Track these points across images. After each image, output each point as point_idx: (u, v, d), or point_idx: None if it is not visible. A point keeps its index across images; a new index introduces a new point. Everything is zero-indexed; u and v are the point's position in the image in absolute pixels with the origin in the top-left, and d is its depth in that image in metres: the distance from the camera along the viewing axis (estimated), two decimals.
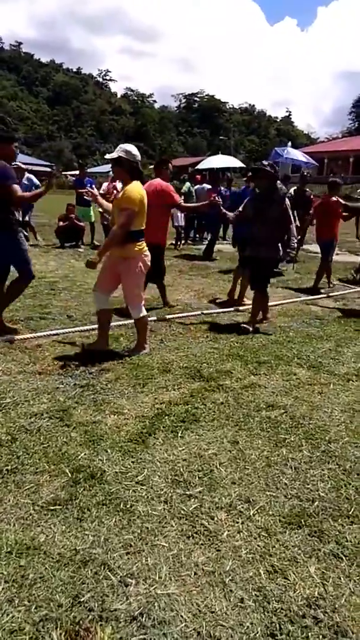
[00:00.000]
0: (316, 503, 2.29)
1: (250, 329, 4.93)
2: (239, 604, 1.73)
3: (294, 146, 17.50)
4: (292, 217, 4.98)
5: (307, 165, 11.76)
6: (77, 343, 4.35)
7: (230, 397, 3.40)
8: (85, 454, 2.60)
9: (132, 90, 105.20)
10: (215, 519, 2.16)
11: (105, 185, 11.20)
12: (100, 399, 3.28)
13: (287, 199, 4.93)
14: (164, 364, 3.94)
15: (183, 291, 6.94)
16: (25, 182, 10.38)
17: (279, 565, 1.91)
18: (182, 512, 2.19)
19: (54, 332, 4.62)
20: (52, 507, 2.17)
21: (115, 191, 10.96)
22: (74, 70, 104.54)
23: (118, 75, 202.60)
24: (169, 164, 5.81)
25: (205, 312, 5.68)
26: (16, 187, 4.21)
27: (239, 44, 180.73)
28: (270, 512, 2.22)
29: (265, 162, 5.01)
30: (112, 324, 4.42)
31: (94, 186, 11.38)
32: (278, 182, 4.90)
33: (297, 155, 11.91)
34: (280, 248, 4.97)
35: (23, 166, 10.57)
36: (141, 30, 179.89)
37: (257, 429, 2.97)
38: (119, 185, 11.30)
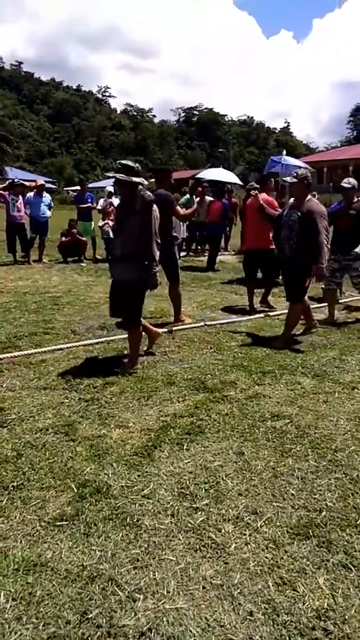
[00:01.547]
0: (324, 513, 2.28)
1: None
2: (248, 617, 1.71)
3: (294, 156, 17.61)
4: (154, 231, 4.00)
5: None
6: (81, 357, 4.36)
7: (235, 408, 3.39)
8: (90, 469, 2.60)
9: (131, 106, 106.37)
10: (223, 531, 2.15)
11: (102, 201, 11.32)
12: (105, 412, 3.28)
13: (154, 211, 4.01)
14: (168, 376, 3.95)
15: (186, 303, 6.94)
16: (48, 202, 10.66)
17: (288, 577, 1.89)
18: (189, 525, 2.18)
19: (58, 347, 4.64)
20: (58, 523, 2.17)
21: (111, 207, 11.10)
22: (74, 87, 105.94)
23: (117, 91, 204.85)
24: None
25: (208, 323, 5.69)
26: None
27: (236, 58, 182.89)
28: (278, 523, 2.20)
29: (125, 162, 4.07)
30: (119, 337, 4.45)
31: (94, 201, 11.54)
32: (140, 188, 3.98)
33: (293, 161, 11.99)
34: (150, 267, 3.98)
35: (27, 183, 10.76)
36: (139, 46, 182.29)
37: (262, 440, 2.97)
38: (115, 201, 11.44)
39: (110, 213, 11.08)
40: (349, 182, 5.86)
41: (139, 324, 4.20)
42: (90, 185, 22.63)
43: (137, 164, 4.04)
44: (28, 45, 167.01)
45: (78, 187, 12.41)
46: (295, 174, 4.87)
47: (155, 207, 4.05)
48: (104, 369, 4.04)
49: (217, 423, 3.17)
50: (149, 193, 4.02)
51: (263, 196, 6.27)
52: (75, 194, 11.53)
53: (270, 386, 3.82)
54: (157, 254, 4.05)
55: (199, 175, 14.08)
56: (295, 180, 4.78)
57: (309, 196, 4.84)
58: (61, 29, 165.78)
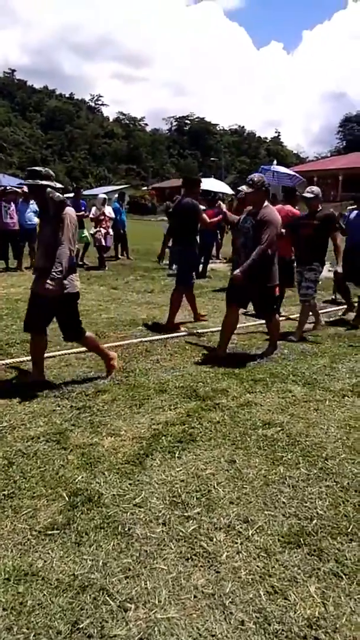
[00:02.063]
0: (315, 521, 2.29)
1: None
2: (239, 626, 1.71)
3: (284, 166, 17.76)
4: (68, 238, 3.58)
5: (292, 181, 11.85)
6: (73, 365, 4.35)
7: (227, 416, 3.40)
8: (82, 477, 2.59)
9: (124, 114, 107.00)
10: (214, 540, 2.15)
11: (94, 209, 11.35)
12: (97, 420, 3.28)
13: (67, 214, 3.60)
14: (160, 384, 3.95)
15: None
16: (35, 209, 10.69)
17: (279, 586, 1.90)
18: (181, 534, 2.18)
19: (50, 354, 4.62)
20: (49, 532, 2.16)
21: (103, 216, 11.14)
22: (67, 95, 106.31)
23: (110, 100, 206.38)
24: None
25: (199, 331, 5.71)
26: None
27: (227, 68, 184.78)
28: (269, 532, 2.21)
29: (32, 168, 3.76)
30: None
31: (86, 209, 11.59)
32: (49, 190, 3.55)
33: (284, 170, 12.11)
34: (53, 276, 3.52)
35: (19, 190, 10.77)
36: (132, 55, 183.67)
37: (254, 448, 2.97)
38: (108, 209, 11.48)
39: (103, 221, 11.12)
40: (311, 191, 5.64)
41: (35, 333, 3.88)
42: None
43: (45, 169, 3.75)
44: (21, 53, 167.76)
45: (70, 195, 12.45)
46: (250, 182, 4.52)
47: (69, 209, 3.62)
48: (95, 377, 4.03)
49: (208, 431, 3.18)
50: (57, 194, 3.58)
51: (288, 208, 6.36)
52: (70, 200, 11.61)
53: (262, 394, 3.83)
54: (65, 263, 3.56)
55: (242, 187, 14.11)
56: (251, 190, 4.51)
57: (266, 202, 4.57)
58: (55, 37, 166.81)
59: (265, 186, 4.54)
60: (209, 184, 14.32)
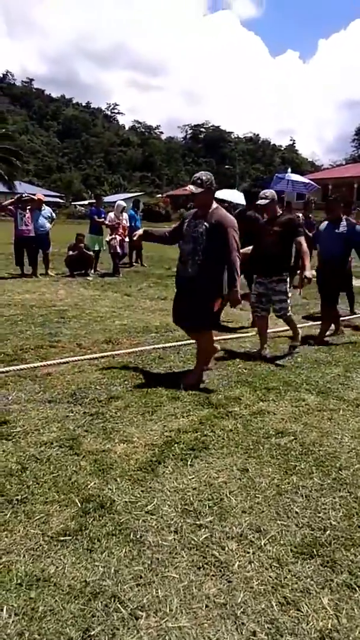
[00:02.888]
0: (328, 532, 2.26)
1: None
2: (251, 637, 1.70)
3: (299, 173, 17.75)
4: None
5: (307, 188, 11.81)
6: (86, 371, 4.38)
7: (240, 424, 3.39)
8: (94, 483, 2.60)
9: (139, 123, 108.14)
10: (226, 549, 2.13)
11: (111, 215, 11.46)
12: (109, 427, 3.29)
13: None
14: (173, 391, 3.95)
15: None
16: (48, 214, 10.89)
17: (292, 597, 1.88)
18: (193, 542, 2.17)
19: (64, 360, 4.66)
20: (62, 538, 2.16)
21: (119, 223, 11.22)
22: (83, 104, 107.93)
23: (126, 108, 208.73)
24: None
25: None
26: None
27: (243, 76, 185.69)
28: (282, 542, 2.19)
29: None
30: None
31: (105, 216, 11.81)
32: None
33: (298, 178, 12.10)
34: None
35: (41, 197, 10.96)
36: (148, 64, 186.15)
37: (267, 456, 2.96)
38: (125, 216, 11.57)
39: (119, 228, 11.20)
40: (265, 196, 5.02)
41: None
42: None
43: None
44: (39, 62, 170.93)
45: (85, 202, 12.66)
46: (199, 181, 3.97)
47: None
48: (108, 383, 4.05)
49: (221, 439, 3.17)
50: None
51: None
52: (83, 209, 11.86)
53: (275, 402, 3.81)
54: None
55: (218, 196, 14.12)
56: (200, 189, 3.96)
57: (216, 204, 4.11)
58: (72, 47, 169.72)
59: (213, 185, 4.07)
60: (226, 194, 14.33)
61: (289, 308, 5.16)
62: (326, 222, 5.97)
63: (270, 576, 1.98)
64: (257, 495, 2.55)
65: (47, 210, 11.09)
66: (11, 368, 4.35)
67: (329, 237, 5.78)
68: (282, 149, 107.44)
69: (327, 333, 5.95)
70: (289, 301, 5.11)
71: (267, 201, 5.00)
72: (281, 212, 5.15)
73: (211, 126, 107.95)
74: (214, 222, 3.95)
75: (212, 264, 3.95)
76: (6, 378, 4.13)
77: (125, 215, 11.69)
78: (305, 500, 2.51)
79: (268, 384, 4.21)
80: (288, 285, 5.09)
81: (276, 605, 1.84)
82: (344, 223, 5.75)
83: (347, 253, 6.02)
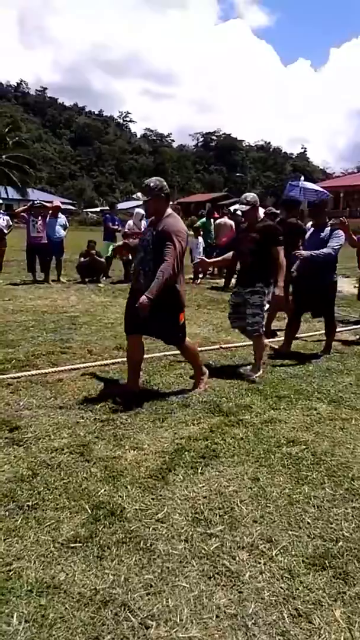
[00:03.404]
0: (340, 543, 2.23)
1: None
2: None
3: (311, 181, 17.73)
4: None
5: (317, 196, 11.79)
6: (97, 377, 4.39)
7: (250, 432, 3.37)
8: (105, 490, 2.59)
9: (151, 131, 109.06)
10: (237, 559, 2.12)
11: (130, 222, 11.53)
12: (120, 433, 3.29)
13: None
14: (183, 398, 3.94)
15: (202, 325, 6.98)
16: (63, 222, 11.04)
17: (303, 609, 1.85)
18: (203, 551, 2.15)
19: (75, 366, 4.68)
20: (72, 545, 2.16)
21: (134, 230, 11.27)
22: (96, 112, 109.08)
23: (138, 116, 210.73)
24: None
25: (223, 346, 5.69)
26: None
27: (254, 85, 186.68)
28: (293, 553, 2.17)
29: None
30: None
31: (120, 223, 11.98)
32: None
33: (311, 186, 12.09)
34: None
35: (48, 205, 11.08)
36: (160, 73, 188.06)
37: (278, 466, 2.93)
38: (143, 223, 11.61)
39: (134, 235, 11.23)
40: (246, 200, 4.62)
41: None
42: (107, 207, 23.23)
43: None
44: (53, 71, 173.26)
45: (97, 209, 12.82)
46: (146, 187, 3.78)
47: None
48: (119, 390, 4.05)
49: (232, 447, 3.15)
50: None
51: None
52: (106, 215, 12.07)
53: (286, 411, 3.79)
54: None
55: (233, 208, 14.07)
56: (146, 197, 3.78)
57: (169, 210, 3.86)
58: (85, 56, 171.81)
59: (164, 191, 3.81)
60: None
61: (262, 325, 4.69)
62: (312, 229, 5.58)
63: (281, 587, 1.96)
64: (268, 504, 2.53)
65: (62, 218, 11.23)
66: (23, 374, 4.37)
67: (314, 243, 5.32)
68: (294, 157, 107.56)
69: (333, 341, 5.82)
70: (261, 317, 4.65)
71: (248, 207, 4.59)
72: (262, 217, 4.77)
73: (222, 134, 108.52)
74: (161, 230, 3.75)
75: None
76: (18, 384, 4.15)
77: (144, 223, 11.76)
78: (317, 511, 2.49)
79: (279, 392, 4.18)
80: (265, 299, 4.63)
81: (287, 617, 1.82)
82: (328, 228, 5.35)
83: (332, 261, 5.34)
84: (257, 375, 4.55)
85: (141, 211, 11.94)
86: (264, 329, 4.72)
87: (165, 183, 3.85)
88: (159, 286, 3.58)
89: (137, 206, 13.13)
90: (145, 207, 4.01)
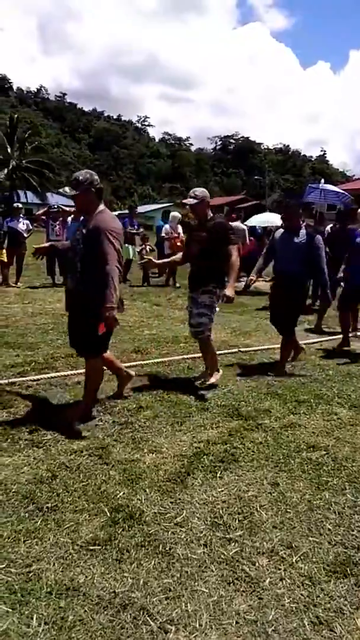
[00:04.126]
0: None
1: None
2: None
3: (330, 184, 17.59)
4: None
5: (339, 198, 11.62)
6: (115, 380, 4.39)
7: (270, 437, 3.34)
8: (124, 493, 2.59)
9: (169, 135, 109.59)
10: (257, 564, 2.09)
11: (167, 227, 11.58)
12: (138, 436, 3.29)
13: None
14: (202, 402, 3.93)
15: (220, 329, 6.95)
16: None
17: (324, 617, 1.82)
18: (222, 556, 2.14)
19: None
20: (91, 547, 2.17)
21: (176, 234, 11.27)
22: (115, 117, 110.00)
23: (156, 120, 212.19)
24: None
25: (242, 349, 5.66)
26: None
27: (273, 87, 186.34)
28: (314, 559, 2.14)
29: None
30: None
31: (138, 227, 12.04)
32: None
33: (331, 188, 11.98)
34: None
35: (67, 209, 11.17)
36: (178, 77, 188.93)
37: (298, 471, 2.90)
38: (179, 228, 11.63)
39: (177, 239, 11.22)
40: (194, 195, 4.22)
41: None
42: (125, 211, 23.39)
43: None
44: (72, 77, 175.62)
45: (115, 213, 12.95)
46: (74, 181, 3.35)
47: None
48: (137, 393, 4.06)
49: (251, 452, 3.13)
50: None
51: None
52: (125, 218, 12.19)
53: (306, 416, 3.74)
54: None
55: (250, 223, 13.89)
56: (75, 192, 3.35)
57: (102, 206, 3.43)
58: (104, 61, 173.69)
59: (95, 185, 3.37)
60: (261, 219, 14.26)
61: (208, 328, 4.27)
62: (281, 230, 5.03)
63: (302, 594, 1.94)
64: (288, 510, 2.50)
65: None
66: (42, 376, 4.41)
67: (286, 248, 4.75)
68: (313, 159, 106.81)
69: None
70: (208, 318, 4.23)
71: (196, 201, 4.17)
72: (212, 215, 4.31)
73: (241, 137, 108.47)
74: (91, 227, 3.34)
75: (92, 276, 3.30)
76: (37, 386, 4.19)
77: (180, 227, 11.78)
78: (338, 517, 2.45)
79: (299, 396, 4.14)
80: (214, 300, 4.23)
81: (308, 624, 1.79)
82: (303, 232, 4.73)
83: (307, 269, 4.76)
84: (210, 382, 4.31)
85: (177, 214, 11.95)
86: (209, 333, 4.31)
87: (96, 177, 3.41)
88: (112, 291, 3.22)
89: (156, 209, 13.18)
90: (74, 202, 3.60)
